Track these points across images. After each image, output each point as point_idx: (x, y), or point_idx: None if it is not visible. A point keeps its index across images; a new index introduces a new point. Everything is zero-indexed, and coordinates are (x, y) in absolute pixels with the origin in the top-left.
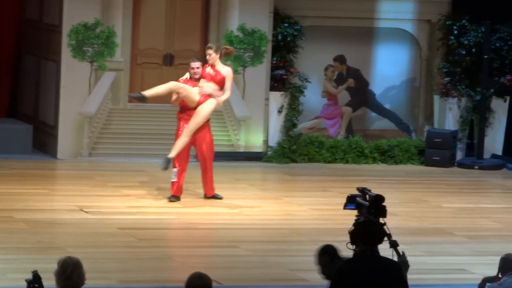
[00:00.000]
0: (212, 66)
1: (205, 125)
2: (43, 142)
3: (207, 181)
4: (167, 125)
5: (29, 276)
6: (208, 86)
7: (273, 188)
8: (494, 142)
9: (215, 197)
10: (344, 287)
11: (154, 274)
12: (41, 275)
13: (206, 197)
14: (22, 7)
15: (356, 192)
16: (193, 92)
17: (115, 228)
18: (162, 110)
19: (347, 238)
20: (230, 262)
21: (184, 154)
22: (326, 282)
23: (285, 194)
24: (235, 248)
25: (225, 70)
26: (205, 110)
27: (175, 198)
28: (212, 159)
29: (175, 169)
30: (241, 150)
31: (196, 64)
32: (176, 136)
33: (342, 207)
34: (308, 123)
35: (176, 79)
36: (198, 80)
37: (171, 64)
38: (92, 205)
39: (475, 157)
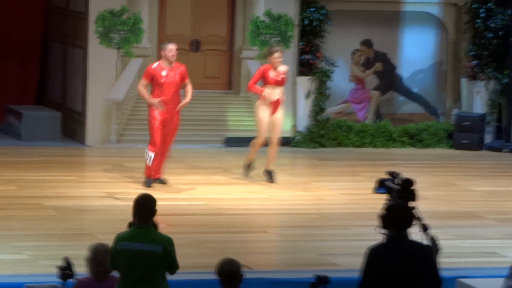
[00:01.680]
0: (275, 68)
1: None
2: (72, 129)
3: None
4: (195, 110)
5: (60, 262)
6: (277, 94)
7: (302, 173)
8: None
9: (161, 180)
10: (375, 271)
11: (184, 260)
12: (72, 261)
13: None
14: None
15: (386, 176)
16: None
17: None
18: None
19: (377, 222)
20: (260, 248)
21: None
22: (358, 266)
23: (314, 179)
24: (265, 233)
25: (285, 68)
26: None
27: (150, 181)
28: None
29: (152, 153)
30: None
31: (175, 46)
32: (151, 125)
33: (371, 191)
34: (336, 107)
35: (204, 65)
36: (171, 63)
37: (198, 50)
38: (121, 191)
39: (503, 140)
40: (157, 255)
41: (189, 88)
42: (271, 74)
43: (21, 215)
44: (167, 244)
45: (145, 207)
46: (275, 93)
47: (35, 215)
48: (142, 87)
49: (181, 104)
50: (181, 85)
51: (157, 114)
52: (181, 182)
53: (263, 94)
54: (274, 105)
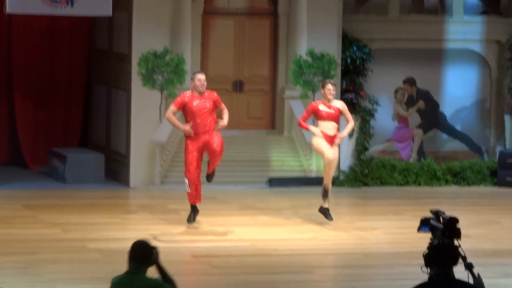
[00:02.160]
0: (325, 103)
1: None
2: (115, 171)
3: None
4: (238, 151)
5: None
6: (333, 127)
7: (346, 212)
8: None
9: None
10: None
11: None
12: None
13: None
14: (91, 37)
15: (430, 215)
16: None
17: (189, 256)
18: (233, 136)
19: (422, 261)
20: None
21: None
22: None
23: (358, 218)
24: (310, 273)
25: (340, 103)
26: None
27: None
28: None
29: (186, 179)
30: (313, 175)
31: (203, 76)
32: (186, 152)
33: (416, 230)
34: (380, 146)
35: (247, 105)
36: (202, 94)
37: (241, 90)
38: (165, 233)
39: None
40: None
41: (225, 112)
42: (323, 107)
43: (66, 258)
44: None
45: (137, 254)
46: (330, 127)
47: (80, 258)
48: (171, 114)
49: (219, 126)
50: (216, 111)
51: (193, 142)
52: (226, 223)
53: (311, 130)
54: (330, 140)
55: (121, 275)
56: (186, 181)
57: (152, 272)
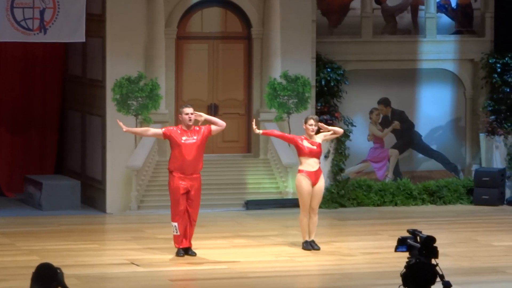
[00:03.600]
0: (307, 139)
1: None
2: (92, 197)
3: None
4: (214, 175)
5: None
6: (315, 163)
7: (323, 233)
8: None
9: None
10: None
11: None
12: None
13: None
14: (65, 64)
15: (407, 234)
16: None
17: (167, 280)
18: (209, 160)
19: (400, 281)
20: None
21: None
22: None
23: (335, 239)
24: None
25: (319, 137)
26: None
27: (180, 251)
28: None
29: (175, 223)
30: (289, 197)
31: (190, 110)
32: (172, 196)
33: (393, 249)
34: (356, 167)
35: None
36: (189, 127)
37: (216, 114)
38: (143, 258)
39: None
40: None
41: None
42: (307, 144)
43: None
44: None
45: (40, 275)
46: (313, 164)
47: None
48: (143, 127)
49: (205, 115)
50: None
51: (177, 182)
52: (202, 247)
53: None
54: (314, 176)
55: None
56: (175, 224)
57: None
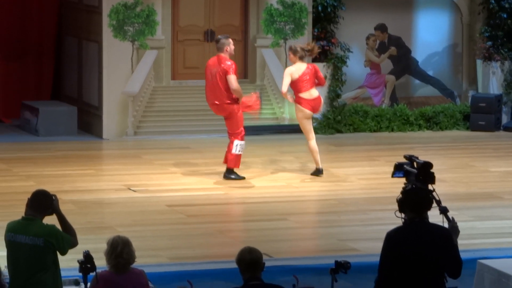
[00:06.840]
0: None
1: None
2: (88, 123)
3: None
4: None
5: (81, 256)
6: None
7: (320, 159)
8: None
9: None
10: (395, 255)
11: (204, 250)
12: (93, 255)
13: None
14: None
15: (404, 160)
16: None
17: (164, 206)
18: (202, 86)
19: (396, 206)
20: (280, 235)
21: None
22: (377, 251)
23: (331, 165)
24: (284, 220)
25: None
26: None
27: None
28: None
29: (242, 142)
30: (286, 123)
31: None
32: (240, 118)
33: (389, 175)
34: (352, 93)
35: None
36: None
37: (212, 40)
38: (140, 183)
39: None
40: (39, 248)
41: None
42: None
43: None
44: (48, 235)
45: (35, 201)
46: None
47: None
48: (238, 84)
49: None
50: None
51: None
52: (199, 173)
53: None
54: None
55: (17, 220)
56: (243, 143)
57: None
